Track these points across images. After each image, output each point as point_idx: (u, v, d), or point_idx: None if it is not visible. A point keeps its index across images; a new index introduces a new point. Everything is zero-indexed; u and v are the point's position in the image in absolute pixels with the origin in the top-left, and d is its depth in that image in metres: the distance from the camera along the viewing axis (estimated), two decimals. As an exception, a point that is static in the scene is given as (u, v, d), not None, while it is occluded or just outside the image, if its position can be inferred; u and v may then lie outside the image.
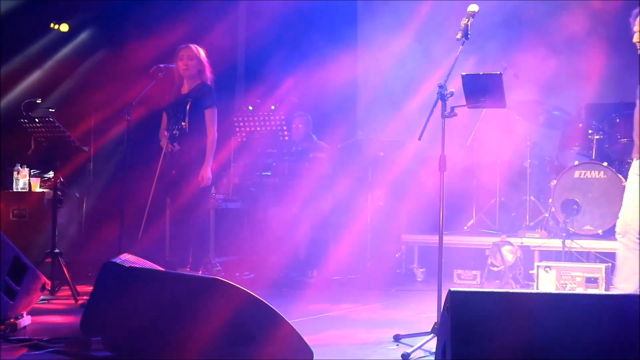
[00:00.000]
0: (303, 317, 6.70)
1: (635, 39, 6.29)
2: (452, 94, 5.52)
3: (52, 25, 9.57)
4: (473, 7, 5.87)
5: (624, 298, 3.95)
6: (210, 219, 8.96)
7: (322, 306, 7.45)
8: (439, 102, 5.42)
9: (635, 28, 6.26)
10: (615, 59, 10.20)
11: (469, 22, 5.85)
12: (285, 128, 9.22)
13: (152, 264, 5.53)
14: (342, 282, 8.91)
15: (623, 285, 6.36)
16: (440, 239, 5.38)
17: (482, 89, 5.61)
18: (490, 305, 3.88)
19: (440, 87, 5.36)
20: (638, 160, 6.37)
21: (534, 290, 4.52)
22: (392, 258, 9.51)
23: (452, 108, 5.42)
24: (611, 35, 10.11)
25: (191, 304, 4.47)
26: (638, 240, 6.27)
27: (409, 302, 7.82)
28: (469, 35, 5.85)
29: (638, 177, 6.33)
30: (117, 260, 5.18)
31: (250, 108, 9.39)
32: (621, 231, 6.39)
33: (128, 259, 5.34)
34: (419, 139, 5.31)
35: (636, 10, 6.30)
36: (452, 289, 4.00)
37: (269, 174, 9.42)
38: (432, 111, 5.32)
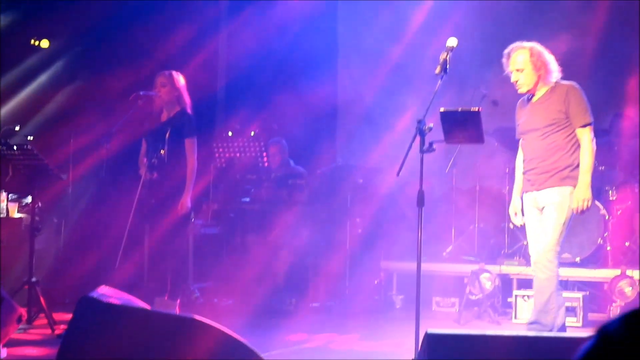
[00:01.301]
0: (282, 349, 6.70)
1: (512, 79, 6.37)
2: (430, 129, 5.55)
3: (32, 41, 9.51)
4: (452, 42, 5.90)
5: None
6: (189, 245, 8.93)
7: (300, 336, 7.45)
8: (418, 137, 5.42)
9: (508, 69, 6.36)
10: (589, 87, 10.27)
11: (448, 57, 5.88)
12: (264, 154, 9.22)
13: (130, 296, 5.50)
14: (321, 309, 8.90)
15: (541, 316, 6.31)
16: (418, 273, 5.38)
17: (460, 125, 5.64)
18: (466, 348, 3.89)
19: (419, 122, 5.38)
20: (534, 192, 6.41)
21: (511, 333, 4.52)
22: (371, 285, 9.50)
23: (431, 143, 5.45)
24: (587, 63, 10.21)
25: (168, 343, 4.45)
26: (550, 269, 6.25)
27: (387, 331, 7.83)
28: (447, 70, 5.89)
29: (535, 209, 6.40)
30: (94, 294, 5.13)
31: (230, 134, 9.38)
32: (534, 261, 6.40)
33: (105, 292, 5.30)
34: (397, 174, 5.33)
35: (507, 50, 6.39)
36: (429, 330, 4.00)
37: (248, 200, 9.41)
38: (410, 146, 5.34)
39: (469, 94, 9.30)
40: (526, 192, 6.50)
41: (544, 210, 6.35)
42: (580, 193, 6.27)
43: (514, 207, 6.60)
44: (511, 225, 9.38)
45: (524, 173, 6.53)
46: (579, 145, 6.31)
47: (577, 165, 6.30)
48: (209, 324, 4.47)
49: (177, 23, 9.72)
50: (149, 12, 9.51)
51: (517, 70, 6.31)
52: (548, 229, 6.28)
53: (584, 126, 6.30)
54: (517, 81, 6.35)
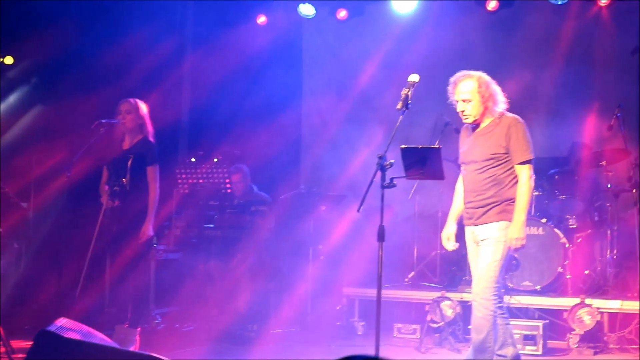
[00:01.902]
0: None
1: (458, 109, 6.29)
2: (391, 165, 5.58)
3: None
4: (414, 77, 5.96)
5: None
6: (151, 270, 8.90)
7: (261, 366, 7.44)
8: (379, 173, 5.45)
9: (454, 97, 6.27)
10: (549, 118, 10.44)
11: (410, 93, 5.93)
12: (227, 181, 9.21)
13: (89, 328, 5.48)
14: (282, 335, 8.89)
15: (477, 355, 6.27)
16: (378, 311, 5.39)
17: (420, 161, 5.68)
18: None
19: (380, 157, 5.40)
20: (472, 227, 6.40)
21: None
22: (333, 311, 9.52)
23: (392, 179, 5.48)
24: (548, 93, 10.35)
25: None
26: (486, 308, 6.19)
27: (349, 360, 7.82)
28: (409, 106, 5.95)
29: (473, 243, 6.40)
30: (52, 327, 5.11)
31: (193, 160, 9.37)
32: (472, 298, 6.36)
33: (64, 324, 5.27)
34: (358, 210, 5.35)
35: (453, 79, 6.29)
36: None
37: (211, 226, 9.40)
38: (371, 182, 5.38)
39: (432, 122, 9.40)
40: (466, 225, 6.46)
41: (480, 246, 6.30)
42: (515, 232, 6.18)
43: (447, 232, 6.53)
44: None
45: (465, 205, 6.47)
46: (517, 180, 6.24)
47: (514, 200, 6.22)
48: (167, 361, 4.46)
49: (142, 51, 9.71)
50: (114, 40, 9.50)
51: (464, 100, 6.22)
52: (484, 266, 6.21)
53: (524, 163, 6.23)
54: (463, 111, 6.25)
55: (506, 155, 6.23)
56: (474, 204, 6.29)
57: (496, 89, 6.31)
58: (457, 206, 6.56)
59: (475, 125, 6.34)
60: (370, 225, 8.46)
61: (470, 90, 6.19)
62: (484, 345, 6.22)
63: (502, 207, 6.22)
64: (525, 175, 6.21)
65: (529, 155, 6.24)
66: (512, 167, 6.24)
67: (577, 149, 9.89)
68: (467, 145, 6.38)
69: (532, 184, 6.27)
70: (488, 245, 6.21)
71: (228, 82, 10.68)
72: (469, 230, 6.42)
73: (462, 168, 6.48)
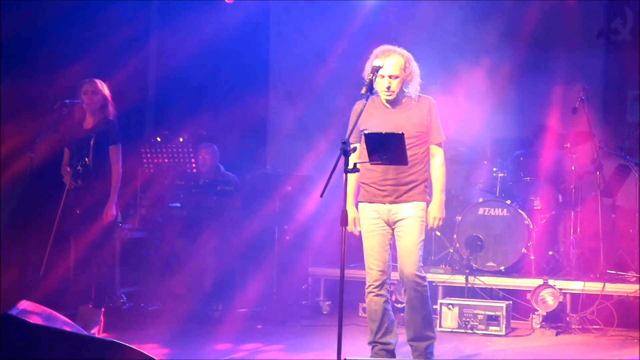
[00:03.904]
0: (206, 361, 6.73)
1: (382, 85, 6.12)
2: (354, 149, 5.58)
3: None
4: (378, 62, 5.95)
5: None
6: (116, 250, 8.86)
7: (226, 346, 7.45)
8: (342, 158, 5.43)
9: (378, 72, 6.03)
10: (515, 98, 10.49)
11: (374, 77, 5.93)
12: (193, 160, 9.18)
13: (52, 311, 5.45)
14: (248, 315, 8.90)
15: (422, 333, 6.29)
16: (341, 294, 5.41)
17: (384, 147, 5.66)
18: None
19: (344, 142, 5.38)
20: (387, 205, 6.24)
21: None
22: (299, 290, 9.55)
23: (355, 164, 5.47)
24: (514, 74, 10.39)
25: (88, 366, 4.43)
26: (423, 287, 6.22)
27: (313, 340, 7.88)
28: (373, 90, 5.95)
29: (381, 221, 6.26)
30: (14, 311, 5.07)
31: (159, 139, 9.32)
32: (405, 281, 6.28)
33: (26, 307, 5.24)
34: (321, 196, 5.34)
35: (378, 51, 6.14)
36: (347, 358, 4.04)
37: (177, 205, 9.38)
38: (335, 167, 5.36)
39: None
40: (373, 202, 6.26)
41: (400, 226, 6.19)
42: (437, 212, 6.22)
43: (352, 215, 6.24)
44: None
45: (370, 184, 6.25)
46: (429, 161, 6.25)
47: (430, 181, 6.23)
48: (130, 347, 4.46)
49: (108, 29, 9.59)
50: (79, 18, 9.38)
51: (390, 76, 6.08)
52: (412, 245, 6.15)
53: (440, 144, 6.27)
54: (388, 87, 6.11)
55: (425, 135, 6.20)
56: (392, 182, 6.14)
57: (417, 67, 6.21)
58: (355, 185, 6.33)
59: (391, 102, 6.20)
60: (336, 205, 8.50)
61: (398, 67, 6.08)
62: (428, 319, 6.28)
63: (423, 187, 6.20)
64: (442, 155, 6.27)
65: (444, 137, 6.28)
66: (428, 148, 6.23)
67: (542, 131, 9.96)
68: (377, 121, 6.15)
69: None
70: (413, 225, 6.15)
71: (194, 61, 10.59)
72: (377, 208, 6.23)
73: (361, 145, 6.09)
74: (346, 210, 5.46)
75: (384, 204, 6.20)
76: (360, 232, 6.31)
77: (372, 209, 6.25)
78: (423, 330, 6.25)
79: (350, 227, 6.19)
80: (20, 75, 8.73)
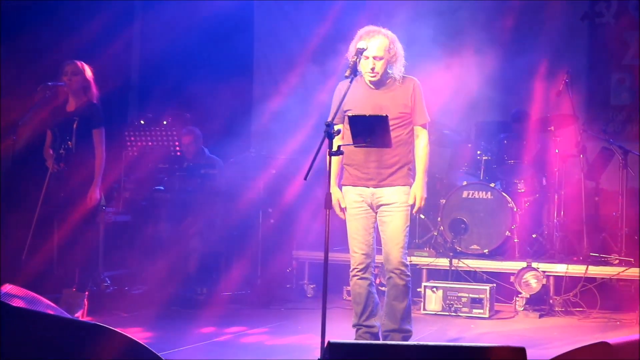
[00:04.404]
0: (191, 345, 6.70)
1: (366, 66, 6.04)
2: (338, 131, 5.57)
3: None
4: (362, 45, 5.91)
5: (502, 350, 4.03)
6: (99, 233, 8.83)
7: (210, 329, 7.44)
8: (326, 140, 5.42)
9: (362, 53, 5.94)
10: (503, 77, 10.50)
11: (358, 60, 5.90)
12: (177, 143, 9.15)
13: (35, 294, 5.43)
14: (232, 298, 8.90)
15: (404, 324, 6.25)
16: (325, 278, 5.41)
17: (368, 129, 5.65)
18: (369, 358, 3.93)
19: (327, 125, 5.37)
20: (371, 188, 6.18)
21: (415, 343, 4.62)
22: (284, 273, 9.57)
23: (339, 146, 5.45)
24: (497, 55, 10.39)
25: (72, 349, 4.41)
26: (407, 275, 6.20)
27: (297, 323, 7.88)
28: (357, 73, 5.92)
29: (365, 204, 6.20)
30: (-3, 294, 5.06)
31: (142, 122, 9.28)
32: (388, 269, 6.24)
33: (9, 290, 5.22)
34: (305, 178, 5.33)
35: (362, 32, 6.06)
36: (331, 340, 4.03)
37: (161, 188, 9.35)
38: (318, 149, 5.34)
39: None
40: (356, 185, 6.19)
41: (384, 211, 6.16)
42: (422, 192, 6.14)
43: (337, 196, 6.14)
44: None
45: (353, 166, 6.17)
46: (413, 143, 6.19)
47: (414, 164, 6.18)
48: (113, 330, 4.44)
49: (91, 12, 9.54)
50: (61, 2, 9.32)
51: (375, 57, 5.99)
52: (397, 232, 6.12)
53: (425, 125, 6.22)
54: (373, 68, 6.02)
55: (409, 116, 6.13)
56: (376, 164, 6.08)
57: (401, 48, 6.15)
58: (338, 167, 6.25)
59: (375, 83, 6.13)
60: (321, 188, 8.50)
61: (383, 48, 6.00)
62: (408, 310, 6.25)
63: (406, 169, 6.15)
64: (426, 137, 6.21)
65: (429, 118, 6.23)
66: (412, 129, 6.17)
67: (526, 114, 9.98)
68: (361, 102, 6.09)
69: None
70: (398, 211, 6.11)
71: (178, 43, 10.55)
72: (360, 192, 6.18)
73: (344, 126, 6.08)
74: (330, 193, 5.45)
75: (368, 187, 6.14)
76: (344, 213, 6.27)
77: (356, 193, 6.19)
78: (402, 322, 6.21)
79: (336, 210, 6.17)
80: (1, 59, 8.68)
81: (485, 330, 7.83)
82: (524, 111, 10.05)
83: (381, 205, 6.15)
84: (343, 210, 6.22)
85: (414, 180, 6.19)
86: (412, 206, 6.18)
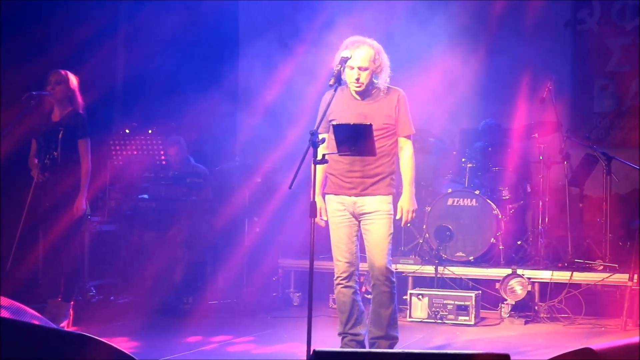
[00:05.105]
0: (177, 354, 6.69)
1: (352, 76, 6.05)
2: (323, 140, 5.58)
3: None
4: (346, 53, 5.93)
5: (486, 358, 4.04)
6: (85, 243, 8.83)
7: (196, 338, 7.43)
8: (311, 149, 5.44)
9: (346, 63, 5.96)
10: (487, 85, 10.55)
11: (342, 68, 5.91)
12: (162, 152, 9.14)
13: (20, 304, 5.42)
14: (218, 307, 8.90)
15: (391, 330, 6.26)
16: (311, 281, 5.42)
17: (352, 138, 5.66)
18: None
19: (312, 134, 5.38)
20: (353, 197, 6.21)
21: (401, 350, 4.61)
22: (270, 282, 9.55)
23: (324, 155, 5.47)
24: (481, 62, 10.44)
25: (58, 359, 4.40)
26: (392, 282, 6.22)
27: (283, 332, 7.87)
28: (341, 81, 5.93)
29: (347, 213, 6.22)
30: (-18, 305, 5.05)
31: (127, 131, 9.27)
32: (374, 276, 6.24)
33: (-6, 301, 5.21)
34: (290, 187, 5.34)
35: (348, 42, 6.07)
36: (316, 349, 4.04)
37: (145, 197, 9.34)
38: (303, 158, 5.36)
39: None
40: (338, 194, 6.21)
41: (367, 219, 6.16)
42: (409, 204, 6.19)
43: (319, 205, 6.07)
44: (408, 224, 9.53)
45: (336, 175, 6.18)
46: (396, 154, 6.22)
47: (395, 174, 6.20)
48: (99, 340, 4.43)
49: (75, 21, 9.52)
50: (46, 10, 9.31)
51: (360, 67, 6.00)
52: (381, 241, 6.12)
53: (409, 137, 6.23)
54: (358, 79, 6.03)
55: (393, 127, 6.14)
56: (359, 174, 6.08)
57: (387, 58, 6.17)
58: (322, 176, 6.24)
59: (360, 93, 6.14)
60: (305, 197, 8.51)
61: (368, 58, 6.01)
62: (394, 317, 6.25)
63: (389, 179, 6.15)
64: (411, 148, 6.22)
65: (413, 130, 6.24)
66: (395, 140, 6.18)
67: (509, 122, 10.04)
68: (345, 111, 6.11)
69: None
70: (380, 219, 6.10)
71: (163, 52, 10.53)
72: (342, 200, 6.18)
73: (329, 135, 6.06)
74: (315, 202, 5.46)
75: (349, 196, 6.15)
76: (326, 222, 6.27)
77: (338, 201, 6.20)
78: (389, 329, 6.22)
79: (318, 220, 6.16)
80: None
81: (471, 337, 7.84)
82: (494, 123, 10.08)
83: (363, 213, 6.16)
84: (322, 219, 6.21)
85: (396, 189, 6.22)
86: (396, 214, 6.20)
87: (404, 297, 8.57)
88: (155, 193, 9.32)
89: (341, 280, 6.24)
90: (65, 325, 7.44)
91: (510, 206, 9.49)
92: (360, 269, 6.37)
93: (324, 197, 6.26)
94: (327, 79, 5.99)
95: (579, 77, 10.93)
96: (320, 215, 6.18)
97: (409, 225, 9.36)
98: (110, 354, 4.42)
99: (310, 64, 10.21)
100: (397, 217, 6.21)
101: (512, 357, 3.80)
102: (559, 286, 8.68)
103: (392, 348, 6.24)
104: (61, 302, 7.57)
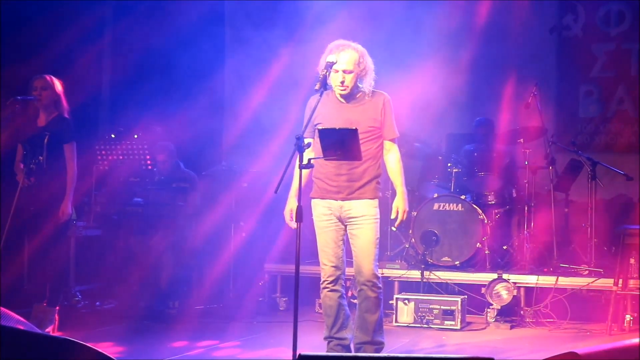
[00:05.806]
0: (163, 359, 6.68)
1: (336, 80, 6.06)
2: (309, 145, 5.59)
3: None
4: (332, 58, 5.94)
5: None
6: (70, 248, 8.81)
7: (182, 343, 7.42)
8: (297, 154, 5.44)
9: (332, 66, 5.96)
10: (472, 90, 10.58)
11: (328, 73, 5.92)
12: (148, 157, 9.13)
13: (5, 309, 5.40)
14: (204, 312, 8.88)
15: (377, 336, 6.27)
16: (296, 286, 5.42)
17: (338, 142, 5.68)
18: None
19: (298, 138, 5.39)
20: (339, 202, 6.21)
21: (387, 355, 4.60)
22: (256, 287, 9.54)
23: (309, 160, 5.49)
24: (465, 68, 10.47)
25: (41, 364, 4.39)
26: (379, 287, 6.23)
27: (269, 337, 7.87)
28: (327, 86, 5.95)
29: (334, 217, 6.23)
30: (-34, 310, 5.03)
31: (113, 136, 9.25)
32: (360, 281, 6.25)
33: (-22, 306, 5.20)
34: (276, 192, 5.35)
35: (332, 46, 6.09)
36: (302, 353, 4.04)
37: (132, 202, 9.32)
38: (289, 163, 5.37)
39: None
40: (324, 198, 6.22)
41: (354, 224, 6.17)
42: (404, 205, 6.23)
43: (290, 208, 6.16)
44: (393, 228, 9.55)
45: (322, 179, 6.20)
46: (382, 157, 6.25)
47: (382, 178, 6.25)
48: (85, 345, 4.42)
49: (62, 23, 9.51)
50: (31, 14, 9.29)
51: (344, 71, 6.01)
52: (367, 245, 6.14)
53: (394, 140, 6.27)
54: (342, 82, 6.04)
55: (379, 131, 6.17)
56: (345, 177, 6.10)
57: (371, 62, 6.19)
58: (306, 180, 6.19)
59: (345, 97, 6.16)
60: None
61: (352, 62, 6.02)
62: (380, 322, 6.27)
63: (375, 183, 6.18)
64: (397, 150, 6.28)
65: (397, 133, 6.28)
66: (381, 143, 6.22)
67: (495, 127, 10.07)
68: (331, 115, 6.12)
69: None
70: (368, 224, 6.13)
71: (149, 56, 10.55)
72: (328, 204, 6.20)
73: (314, 140, 6.05)
74: (301, 206, 5.47)
75: (336, 200, 6.16)
76: (297, 226, 6.23)
77: (324, 205, 6.21)
78: (374, 334, 6.23)
79: (286, 219, 6.21)
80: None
81: (457, 341, 7.85)
82: (489, 119, 10.13)
83: (350, 218, 6.17)
84: (292, 220, 6.11)
85: (382, 193, 6.24)
86: (390, 214, 6.28)
87: (390, 302, 8.58)
88: (141, 198, 9.30)
89: (327, 284, 6.25)
90: (51, 330, 7.43)
91: (496, 211, 9.51)
92: (346, 273, 6.38)
93: (307, 201, 6.24)
94: (312, 84, 6.01)
95: (564, 83, 10.98)
96: (291, 218, 6.12)
97: (394, 229, 9.41)
98: (95, 359, 4.42)
99: (295, 69, 10.23)
100: (392, 216, 6.27)
101: (497, 361, 3.82)
102: (544, 291, 8.70)
103: (377, 354, 6.23)
104: (47, 307, 7.56)
